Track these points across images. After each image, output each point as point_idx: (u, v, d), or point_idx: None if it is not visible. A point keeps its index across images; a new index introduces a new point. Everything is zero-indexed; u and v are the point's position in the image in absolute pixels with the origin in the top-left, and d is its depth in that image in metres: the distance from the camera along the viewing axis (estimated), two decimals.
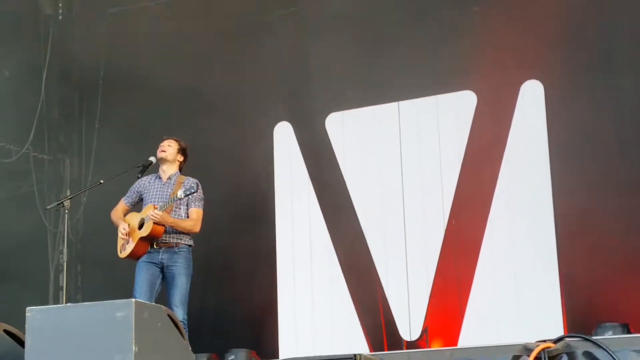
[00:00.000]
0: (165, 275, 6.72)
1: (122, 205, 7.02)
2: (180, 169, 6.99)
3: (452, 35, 8.62)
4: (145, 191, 6.92)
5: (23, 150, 9.66)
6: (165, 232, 6.69)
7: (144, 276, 6.70)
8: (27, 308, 5.15)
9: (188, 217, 6.79)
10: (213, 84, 9.29)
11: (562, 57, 8.22)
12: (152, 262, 6.73)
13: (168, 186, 6.85)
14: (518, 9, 8.32)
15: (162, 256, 6.72)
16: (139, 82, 9.27)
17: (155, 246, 6.72)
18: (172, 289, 6.66)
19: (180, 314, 6.47)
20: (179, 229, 6.74)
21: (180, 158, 6.99)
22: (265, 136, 9.41)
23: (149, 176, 6.99)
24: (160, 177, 6.94)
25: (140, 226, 6.73)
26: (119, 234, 6.86)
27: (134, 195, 7.00)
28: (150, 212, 6.61)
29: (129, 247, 6.75)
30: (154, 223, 6.61)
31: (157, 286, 6.73)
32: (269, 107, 9.39)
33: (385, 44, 8.97)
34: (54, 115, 9.91)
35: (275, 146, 9.42)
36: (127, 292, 6.62)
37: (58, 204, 6.92)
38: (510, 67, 8.44)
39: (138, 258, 6.77)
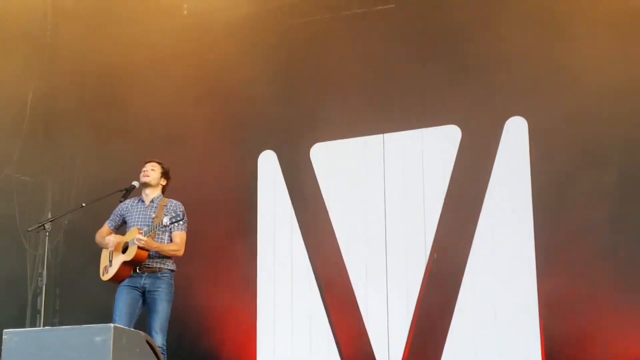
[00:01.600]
0: (146, 300, 6.70)
1: (106, 228, 7.03)
2: (163, 192, 7.01)
3: (438, 70, 8.68)
4: (128, 214, 6.92)
5: (5, 172, 9.61)
6: (149, 256, 6.68)
7: (124, 300, 6.67)
8: (4, 330, 5.11)
9: (172, 241, 6.78)
10: (199, 108, 9.29)
11: (547, 95, 8.29)
12: (133, 286, 6.70)
13: (151, 209, 6.86)
14: (505, 46, 8.38)
15: (145, 281, 6.70)
16: (124, 106, 9.27)
17: (138, 270, 6.70)
18: (153, 314, 6.63)
19: (159, 340, 6.44)
20: (163, 254, 6.73)
21: (164, 181, 7.01)
22: (249, 164, 9.41)
23: (132, 199, 7.00)
24: (142, 201, 6.94)
25: (124, 250, 6.71)
26: (108, 250, 6.83)
27: (117, 218, 7.01)
28: (136, 237, 6.60)
29: (112, 271, 6.73)
30: (139, 248, 6.60)
31: (137, 310, 6.70)
32: (254, 135, 9.41)
33: (372, 76, 9.03)
34: (38, 138, 9.86)
35: (259, 174, 9.42)
36: (104, 317, 6.58)
37: (39, 227, 6.89)
38: (496, 103, 8.51)
39: (120, 282, 6.74)
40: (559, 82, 8.25)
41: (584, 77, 7.98)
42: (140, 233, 6.63)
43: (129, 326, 6.31)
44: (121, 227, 7.01)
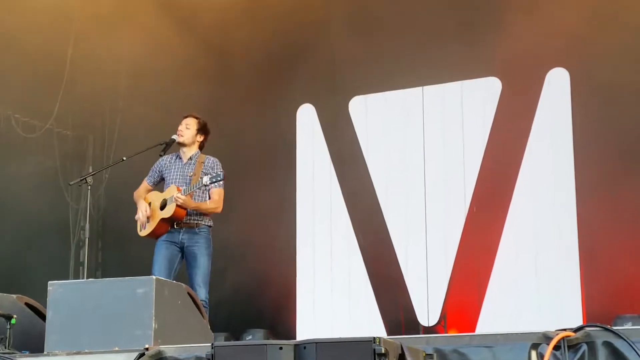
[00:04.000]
0: (185, 256, 6.72)
1: (145, 185, 7.02)
2: (201, 148, 6.95)
3: (478, 21, 8.56)
4: (166, 171, 6.90)
5: (47, 126, 9.69)
6: (187, 213, 6.69)
7: (163, 255, 6.71)
8: (49, 282, 5.20)
9: (210, 197, 6.77)
10: (238, 63, 9.23)
11: (589, 46, 8.13)
12: (172, 242, 6.73)
13: (189, 166, 6.82)
14: None
15: (183, 236, 6.72)
16: (164, 60, 9.24)
17: (175, 226, 6.72)
18: (194, 268, 6.66)
19: (202, 293, 6.48)
20: (202, 212, 6.74)
21: (200, 138, 6.91)
22: (288, 118, 9.39)
23: (170, 155, 6.96)
24: (180, 157, 6.91)
25: (162, 207, 6.73)
26: (139, 214, 6.85)
27: (156, 174, 6.99)
28: (175, 195, 6.59)
29: (150, 227, 6.77)
30: (177, 206, 6.60)
31: (175, 265, 6.73)
32: (293, 88, 9.35)
33: (411, 28, 8.91)
34: (78, 92, 9.88)
35: (298, 128, 9.40)
36: (146, 270, 6.63)
37: (81, 180, 6.95)
38: (537, 54, 8.37)
39: (157, 237, 6.78)
40: (602, 31, 8.06)
41: (629, 27, 7.80)
42: (180, 191, 6.63)
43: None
44: (160, 184, 7.01)
